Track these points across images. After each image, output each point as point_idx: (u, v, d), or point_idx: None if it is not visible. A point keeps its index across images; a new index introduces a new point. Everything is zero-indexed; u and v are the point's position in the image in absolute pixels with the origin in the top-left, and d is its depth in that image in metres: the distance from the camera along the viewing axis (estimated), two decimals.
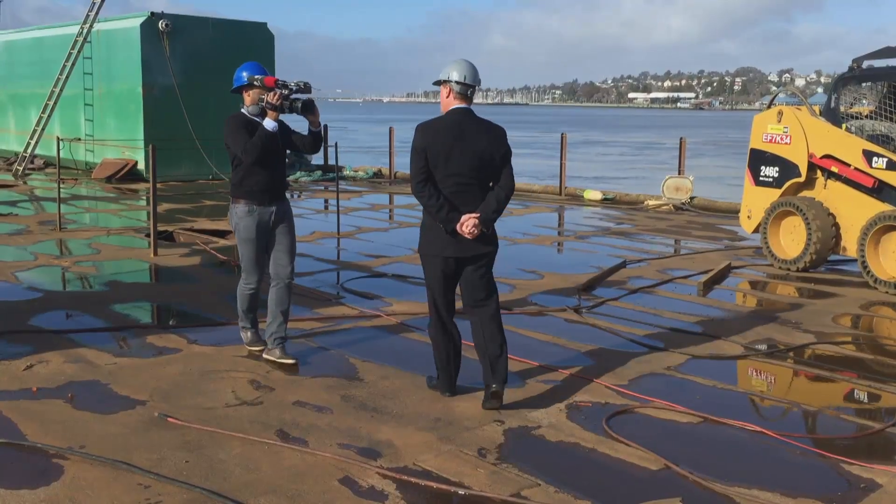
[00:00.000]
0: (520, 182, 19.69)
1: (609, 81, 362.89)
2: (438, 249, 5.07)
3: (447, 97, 5.07)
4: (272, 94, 5.71)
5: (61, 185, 12.35)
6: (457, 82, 5.02)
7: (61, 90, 19.48)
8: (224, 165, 18.35)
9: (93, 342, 6.40)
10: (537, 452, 4.52)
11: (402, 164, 22.26)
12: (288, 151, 6.21)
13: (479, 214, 4.97)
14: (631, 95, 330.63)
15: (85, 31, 19.16)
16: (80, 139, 20.24)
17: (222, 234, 12.16)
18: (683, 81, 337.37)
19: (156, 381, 5.54)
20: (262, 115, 5.83)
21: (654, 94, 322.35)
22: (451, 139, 4.96)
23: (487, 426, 4.85)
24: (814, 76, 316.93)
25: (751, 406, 5.43)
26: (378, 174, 21.79)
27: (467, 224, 4.94)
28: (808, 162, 9.66)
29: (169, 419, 4.82)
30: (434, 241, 5.08)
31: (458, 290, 5.27)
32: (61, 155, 12.54)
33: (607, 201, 16.74)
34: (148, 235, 11.32)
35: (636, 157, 41.22)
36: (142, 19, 18.74)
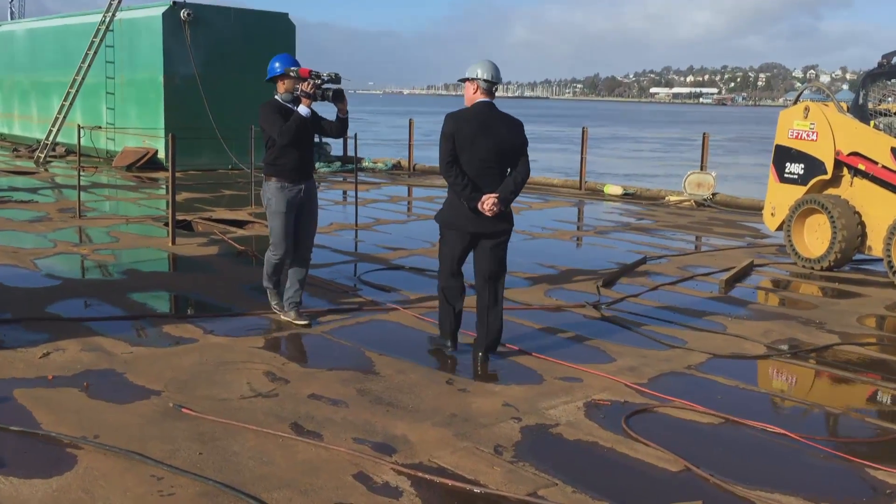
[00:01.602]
0: (539, 176, 19.67)
1: (631, 76, 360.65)
2: (461, 224, 5.72)
3: (474, 92, 5.73)
4: (306, 83, 6.35)
5: (81, 173, 12.38)
6: (484, 80, 5.69)
7: (83, 78, 19.55)
8: (243, 156, 18.49)
9: (109, 331, 6.39)
10: (555, 451, 4.44)
11: (421, 157, 22.27)
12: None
13: (498, 194, 5.58)
14: (653, 90, 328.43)
15: (107, 19, 19.21)
16: (100, 127, 20.31)
17: (241, 223, 12.16)
18: (706, 77, 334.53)
19: (171, 370, 5.51)
20: (295, 102, 6.49)
21: (676, 90, 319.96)
22: (476, 128, 5.61)
23: (504, 423, 4.78)
24: (839, 73, 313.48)
25: (773, 407, 5.33)
26: (397, 166, 21.73)
27: (488, 202, 5.56)
28: (835, 159, 9.50)
29: (183, 410, 4.79)
30: (457, 216, 5.72)
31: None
32: (82, 143, 12.58)
33: (628, 196, 16.60)
34: (166, 224, 11.34)
35: (667, 153, 40.80)
36: (164, 8, 18.74)
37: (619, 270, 9.01)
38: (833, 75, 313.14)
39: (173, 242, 10.02)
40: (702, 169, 16.17)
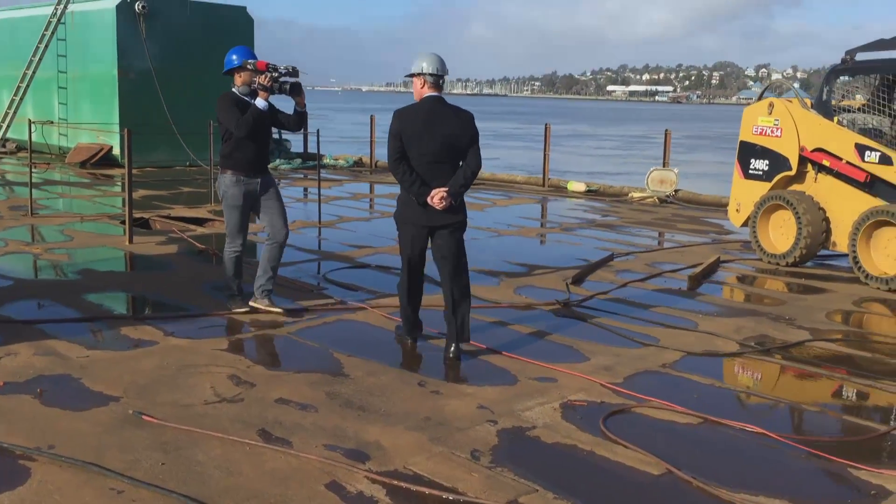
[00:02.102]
0: (502, 173, 19.58)
1: (588, 74, 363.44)
2: (413, 219, 5.71)
3: (421, 87, 5.71)
4: (264, 76, 6.38)
5: (33, 170, 11.98)
6: (430, 74, 5.65)
7: (34, 72, 18.99)
8: (200, 152, 18.12)
9: (64, 333, 6.12)
10: (533, 455, 4.31)
11: (383, 154, 22.01)
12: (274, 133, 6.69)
13: (447, 188, 5.58)
14: (609, 88, 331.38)
15: (59, 11, 18.68)
16: (53, 122, 19.77)
17: (200, 221, 11.87)
18: (661, 75, 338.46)
19: (130, 375, 5.28)
20: (252, 95, 6.48)
21: (632, 87, 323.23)
22: (423, 123, 5.60)
23: (480, 426, 4.64)
24: (790, 71, 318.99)
25: (750, 406, 5.26)
26: (359, 163, 21.50)
27: (437, 196, 5.57)
28: (799, 155, 9.52)
29: (144, 417, 4.57)
30: (408, 211, 5.73)
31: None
32: (34, 139, 12.17)
33: (591, 193, 16.58)
34: (123, 222, 11.01)
35: (628, 151, 41.00)
36: (118, 1, 18.28)
37: (587, 267, 8.93)
38: (784, 73, 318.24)
39: (130, 241, 9.71)
40: (664, 166, 16.21)
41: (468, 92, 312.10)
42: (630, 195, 15.84)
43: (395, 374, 5.49)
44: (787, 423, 5.00)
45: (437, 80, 5.67)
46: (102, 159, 18.58)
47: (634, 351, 6.15)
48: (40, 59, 18.90)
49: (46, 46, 18.84)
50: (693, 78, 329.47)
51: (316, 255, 9.59)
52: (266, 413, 4.73)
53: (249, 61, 6.49)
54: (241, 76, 6.52)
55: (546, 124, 18.02)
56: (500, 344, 6.17)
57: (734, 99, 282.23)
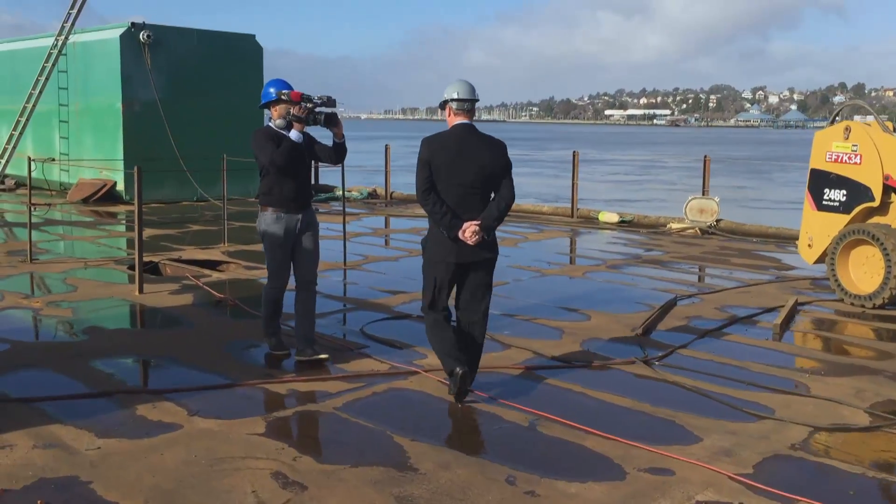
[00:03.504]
0: (527, 203, 18.64)
1: (585, 98, 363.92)
2: (443, 255, 5.41)
3: (450, 115, 5.47)
4: (298, 107, 6.08)
5: (33, 210, 11.03)
6: (453, 99, 5.42)
7: (34, 106, 18.09)
8: (209, 187, 17.20)
9: (70, 415, 5.13)
10: None
11: (398, 185, 21.13)
12: None
13: (479, 221, 5.31)
14: (608, 112, 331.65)
15: (60, 42, 17.82)
16: (54, 159, 18.88)
17: (214, 265, 10.91)
18: (659, 98, 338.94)
19: (152, 475, 4.29)
20: (288, 128, 6.16)
21: (630, 111, 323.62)
22: (454, 152, 5.35)
23: None
24: (787, 93, 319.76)
25: None
26: (373, 194, 20.58)
27: (469, 230, 5.29)
28: (884, 184, 8.58)
29: None
30: (438, 246, 5.43)
31: None
32: (34, 175, 11.25)
33: (624, 224, 15.63)
34: (131, 268, 10.06)
35: (642, 176, 40.07)
36: (122, 30, 17.48)
37: (653, 315, 7.96)
38: (781, 96, 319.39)
39: (140, 291, 8.74)
40: (704, 194, 15.27)
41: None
42: (668, 226, 14.88)
43: (475, 466, 4.49)
44: None
45: (464, 105, 5.42)
46: (106, 196, 17.67)
47: (751, 426, 5.16)
48: (41, 92, 18.02)
49: (47, 79, 17.97)
50: (690, 101, 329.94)
51: (349, 303, 8.62)
52: None
53: (284, 92, 6.19)
54: (276, 109, 6.22)
55: (574, 152, 17.10)
56: (588, 418, 5.19)
57: (732, 121, 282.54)
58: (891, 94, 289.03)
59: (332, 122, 6.15)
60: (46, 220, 14.47)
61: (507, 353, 6.69)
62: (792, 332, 7.66)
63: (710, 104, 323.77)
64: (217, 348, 6.76)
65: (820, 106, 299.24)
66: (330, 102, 6.18)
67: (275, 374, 6.12)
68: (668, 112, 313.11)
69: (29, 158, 11.11)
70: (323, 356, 6.26)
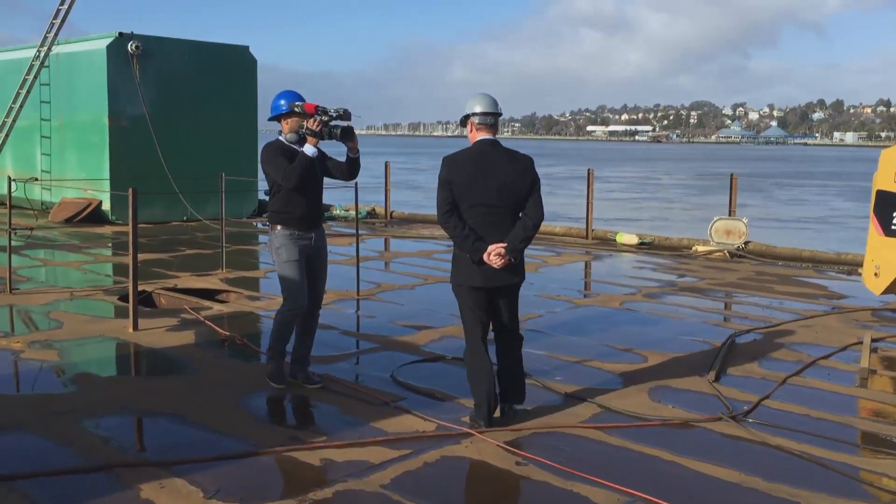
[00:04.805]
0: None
1: (567, 114, 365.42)
2: (467, 279, 5.15)
3: (472, 131, 5.24)
4: (312, 120, 5.74)
5: (13, 233, 10.02)
6: (475, 114, 5.19)
7: (14, 121, 17.04)
8: (200, 206, 16.21)
9: (56, 498, 4.15)
10: None
11: (399, 204, 20.23)
12: None
13: (505, 244, 5.05)
14: (590, 128, 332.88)
15: (42, 53, 16.80)
16: (36, 178, 17.82)
17: (213, 294, 9.93)
18: (640, 115, 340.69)
19: None
20: (301, 142, 5.86)
21: (612, 127, 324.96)
22: (476, 170, 5.10)
23: None
24: (766, 110, 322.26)
25: None
26: (372, 214, 19.64)
27: (493, 253, 5.03)
28: None
29: None
30: (463, 271, 5.17)
31: None
32: (14, 194, 10.23)
33: (644, 246, 14.77)
34: (121, 299, 9.09)
35: (641, 194, 39.28)
36: (108, 40, 16.48)
37: (718, 357, 7.06)
38: (761, 112, 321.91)
39: (135, 327, 7.74)
40: (730, 214, 14.44)
41: (448, 134, 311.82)
42: (694, 248, 14.02)
43: None
44: None
45: (486, 119, 5.18)
46: (90, 216, 16.63)
47: (873, 500, 4.26)
48: (21, 106, 16.97)
49: (28, 91, 16.93)
50: (671, 118, 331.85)
51: (369, 340, 7.67)
52: None
53: (297, 104, 5.88)
54: (287, 122, 5.94)
55: (589, 169, 16.25)
56: (695, 498, 4.27)
57: (713, 137, 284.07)
58: (868, 111, 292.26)
59: (348, 136, 5.80)
60: (27, 243, 13.41)
61: (570, 408, 5.75)
62: (877, 375, 6.78)
63: (692, 120, 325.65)
64: (230, 401, 5.79)
65: (799, 122, 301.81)
66: (346, 115, 5.77)
67: (302, 436, 5.17)
68: (649, 128, 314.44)
69: (9, 177, 10.11)
70: (316, 385, 6.00)
